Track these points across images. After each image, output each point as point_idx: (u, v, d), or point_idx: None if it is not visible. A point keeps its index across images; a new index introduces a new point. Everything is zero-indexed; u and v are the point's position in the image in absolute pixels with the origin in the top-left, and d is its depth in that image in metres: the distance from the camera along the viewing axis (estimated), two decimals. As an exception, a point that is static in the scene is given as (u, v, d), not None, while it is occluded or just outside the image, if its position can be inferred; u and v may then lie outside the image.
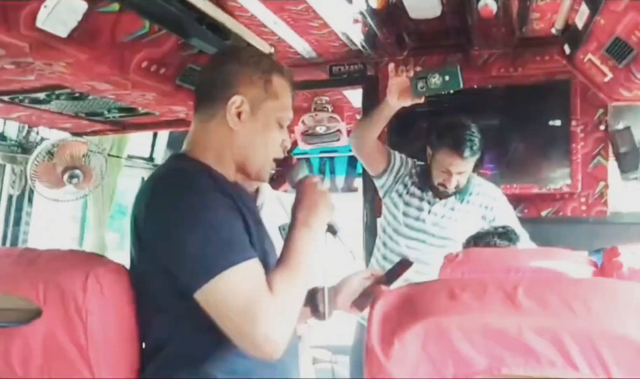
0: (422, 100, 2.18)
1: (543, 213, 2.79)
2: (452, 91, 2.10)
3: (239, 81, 1.29)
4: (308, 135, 3.61)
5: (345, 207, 3.63)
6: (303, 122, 3.51)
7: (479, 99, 2.78)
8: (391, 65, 2.19)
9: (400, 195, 2.49)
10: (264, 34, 2.40)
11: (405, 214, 2.48)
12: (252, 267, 1.14)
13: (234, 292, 1.10)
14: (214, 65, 1.37)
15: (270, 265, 1.26)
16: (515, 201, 2.67)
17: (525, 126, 2.77)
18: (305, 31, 2.51)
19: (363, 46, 2.76)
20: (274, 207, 2.26)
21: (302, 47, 2.68)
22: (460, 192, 2.42)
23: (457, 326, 0.86)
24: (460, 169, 2.35)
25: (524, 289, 0.87)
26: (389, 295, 0.95)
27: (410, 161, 2.52)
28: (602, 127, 2.74)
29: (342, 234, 1.39)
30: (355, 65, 3.01)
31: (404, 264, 1.61)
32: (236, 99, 1.28)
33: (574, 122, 2.71)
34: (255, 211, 1.44)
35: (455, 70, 2.08)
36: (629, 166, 2.70)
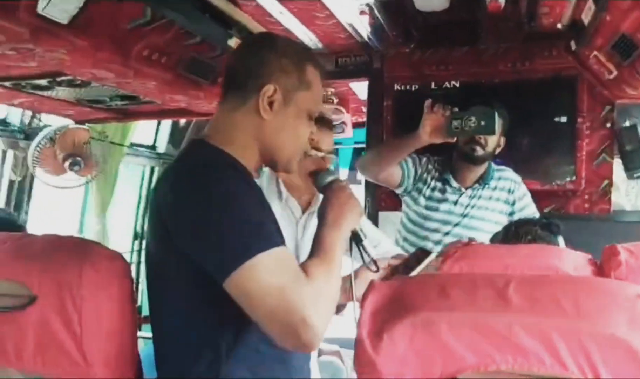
0: (454, 139, 2.27)
1: (546, 210, 2.76)
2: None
3: (272, 70, 1.23)
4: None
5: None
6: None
7: (485, 93, 2.76)
8: (428, 102, 2.23)
9: (420, 191, 2.49)
10: (269, 24, 2.38)
11: (427, 208, 2.47)
12: (283, 253, 1.10)
13: (266, 276, 1.04)
14: (247, 52, 1.30)
15: None
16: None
17: (531, 121, 2.74)
18: (311, 22, 2.49)
19: (370, 38, 2.74)
20: None
21: (308, 38, 2.67)
22: (483, 178, 2.43)
23: (447, 321, 0.85)
24: None
25: (515, 286, 0.87)
26: (380, 288, 0.95)
27: (423, 158, 2.50)
28: (608, 125, 2.71)
29: (367, 242, 1.37)
30: (362, 57, 3.00)
31: (418, 255, 1.61)
32: (269, 88, 1.22)
33: (580, 119, 2.69)
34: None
35: (493, 116, 2.15)
36: (635, 164, 2.68)
